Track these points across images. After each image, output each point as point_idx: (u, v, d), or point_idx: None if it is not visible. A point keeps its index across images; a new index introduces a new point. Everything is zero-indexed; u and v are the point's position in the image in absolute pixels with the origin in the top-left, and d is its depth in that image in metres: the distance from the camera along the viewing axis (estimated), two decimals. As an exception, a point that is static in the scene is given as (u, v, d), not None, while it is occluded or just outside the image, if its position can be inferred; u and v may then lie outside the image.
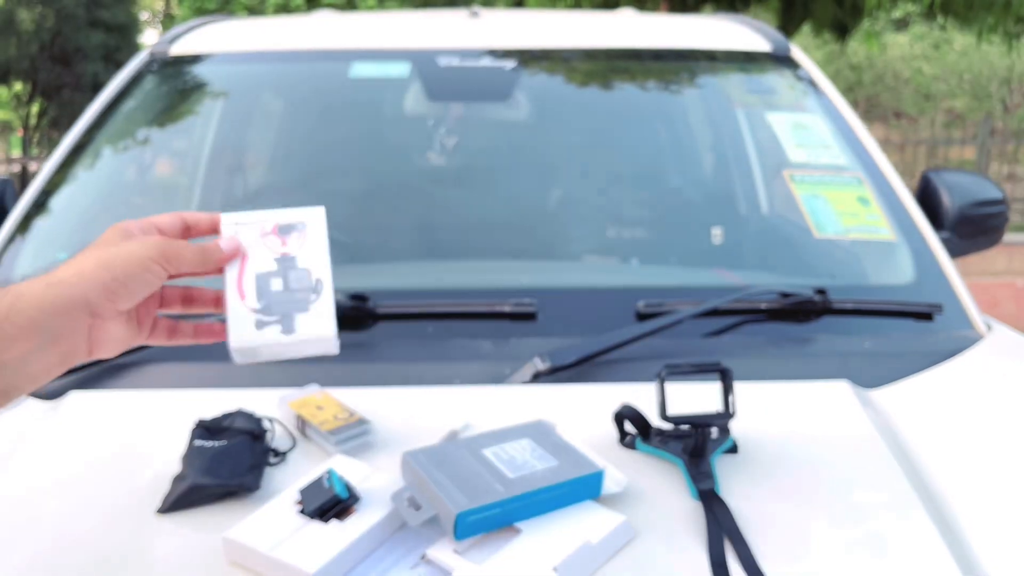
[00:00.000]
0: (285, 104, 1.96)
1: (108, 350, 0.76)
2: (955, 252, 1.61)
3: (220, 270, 0.81)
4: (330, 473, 0.85)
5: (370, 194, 1.64)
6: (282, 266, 0.80)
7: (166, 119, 1.87)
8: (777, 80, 1.87)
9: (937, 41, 13.49)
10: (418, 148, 1.74)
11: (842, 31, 8.65)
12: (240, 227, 0.83)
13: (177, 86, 1.91)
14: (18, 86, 12.60)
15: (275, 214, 0.83)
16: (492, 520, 0.80)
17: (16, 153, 13.37)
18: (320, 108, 1.82)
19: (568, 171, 1.71)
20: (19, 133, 13.59)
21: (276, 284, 0.80)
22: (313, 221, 0.84)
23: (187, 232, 0.82)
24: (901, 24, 14.34)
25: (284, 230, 0.82)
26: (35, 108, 12.76)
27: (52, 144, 11.87)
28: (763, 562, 0.81)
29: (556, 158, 1.74)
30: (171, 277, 0.76)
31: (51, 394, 1.13)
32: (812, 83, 1.82)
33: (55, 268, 0.72)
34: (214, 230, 0.83)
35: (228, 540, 0.80)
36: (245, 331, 0.78)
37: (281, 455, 0.97)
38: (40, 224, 1.56)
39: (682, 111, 1.90)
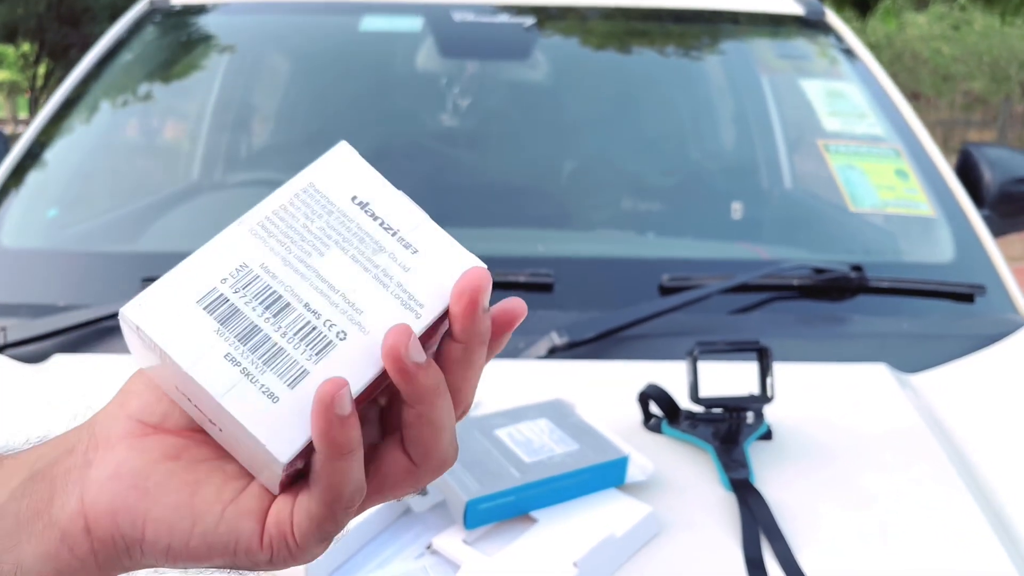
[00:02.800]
0: (292, 58, 1.86)
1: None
2: (995, 231, 1.52)
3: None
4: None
5: (378, 155, 1.55)
6: None
7: (167, 73, 1.78)
8: (810, 45, 1.77)
9: (957, 22, 13.25)
10: (430, 108, 1.65)
11: (863, 8, 8.49)
12: None
13: (179, 38, 1.82)
14: (25, 46, 12.49)
15: None
16: (506, 508, 0.73)
17: (23, 114, 13.28)
18: (328, 63, 1.73)
19: (588, 136, 1.62)
20: (27, 95, 13.50)
21: None
22: None
23: None
24: (921, 3, 14.10)
25: None
26: (42, 69, 12.65)
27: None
28: (802, 559, 0.74)
29: (575, 122, 1.65)
30: None
31: (34, 357, 1.06)
32: (848, 49, 1.72)
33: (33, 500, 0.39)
34: None
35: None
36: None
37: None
38: (30, 179, 1.48)
39: (707, 75, 1.81)
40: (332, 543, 0.38)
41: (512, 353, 1.08)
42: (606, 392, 0.97)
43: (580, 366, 1.06)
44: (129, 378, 0.41)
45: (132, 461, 0.38)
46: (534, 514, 0.74)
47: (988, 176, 1.60)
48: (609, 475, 0.78)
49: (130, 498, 0.37)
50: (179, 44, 1.82)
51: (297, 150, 1.69)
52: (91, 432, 0.39)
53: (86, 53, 1.72)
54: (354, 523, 0.72)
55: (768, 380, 0.88)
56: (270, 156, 1.74)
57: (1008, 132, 7.98)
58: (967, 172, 1.63)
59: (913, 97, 12.06)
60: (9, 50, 12.94)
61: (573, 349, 1.08)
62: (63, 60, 12.04)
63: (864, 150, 1.48)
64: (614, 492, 0.78)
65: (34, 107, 12.72)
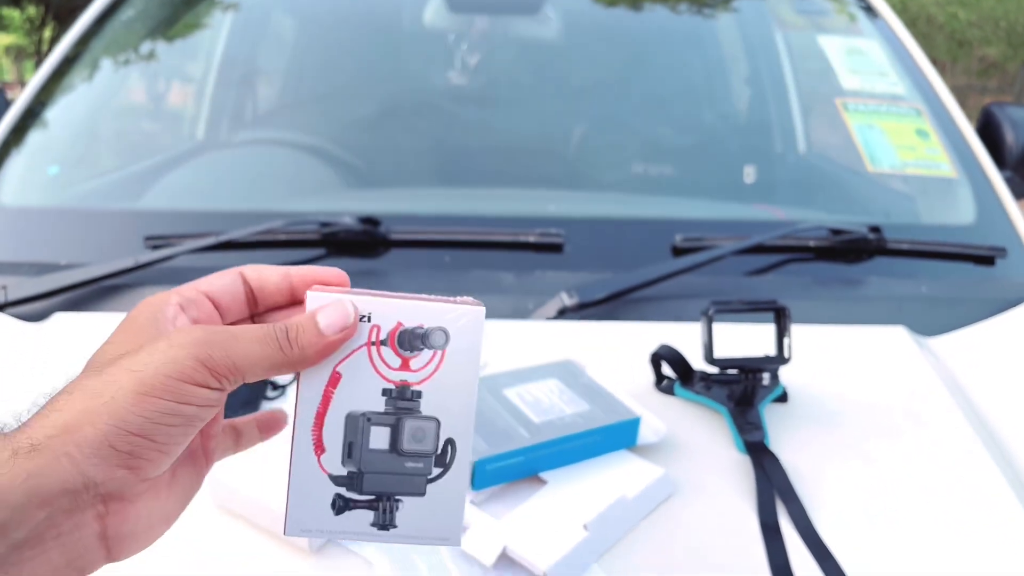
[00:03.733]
0: (298, 14, 1.82)
1: (140, 542, 0.44)
2: (1018, 193, 1.49)
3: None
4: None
5: (386, 113, 1.52)
6: (394, 405, 0.47)
7: (170, 31, 1.74)
8: (828, 2, 1.72)
9: (974, -14, 12.99)
10: (438, 65, 1.61)
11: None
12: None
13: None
14: (31, 9, 12.39)
15: (404, 305, 0.46)
16: (514, 469, 0.71)
17: (30, 78, 13.21)
18: (335, 17, 1.69)
19: (599, 94, 1.58)
20: (33, 59, 13.43)
21: (379, 437, 0.47)
22: (465, 327, 0.46)
23: (254, 303, 0.48)
24: (938, -34, 13.81)
25: (410, 339, 0.46)
26: (48, 32, 12.55)
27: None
28: (819, 523, 0.72)
29: (587, 80, 1.60)
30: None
31: (35, 315, 1.04)
32: (868, 6, 1.67)
33: (34, 409, 0.42)
34: (292, 300, 0.48)
35: (216, 481, 0.71)
36: (313, 508, 0.47)
37: (280, 388, 0.88)
38: (30, 137, 1.45)
39: (722, 32, 1.76)
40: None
41: (521, 314, 1.06)
42: (617, 354, 0.95)
43: (590, 327, 1.03)
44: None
45: None
46: (543, 475, 0.72)
47: (1011, 137, 1.55)
48: (620, 436, 0.76)
49: None
50: (177, 2, 1.78)
51: (304, 108, 1.66)
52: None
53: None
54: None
55: (785, 341, 0.86)
56: (277, 115, 1.71)
57: (1024, 99, 7.85)
58: (989, 133, 1.59)
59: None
60: (15, 13, 12.84)
61: (583, 310, 1.06)
62: (69, 22, 11.94)
63: (884, 109, 1.44)
64: (626, 454, 0.76)
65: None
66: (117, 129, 1.57)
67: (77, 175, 1.43)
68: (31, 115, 1.47)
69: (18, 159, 1.40)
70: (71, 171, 1.43)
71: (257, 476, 0.70)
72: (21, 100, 1.48)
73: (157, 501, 0.43)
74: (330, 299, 0.45)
